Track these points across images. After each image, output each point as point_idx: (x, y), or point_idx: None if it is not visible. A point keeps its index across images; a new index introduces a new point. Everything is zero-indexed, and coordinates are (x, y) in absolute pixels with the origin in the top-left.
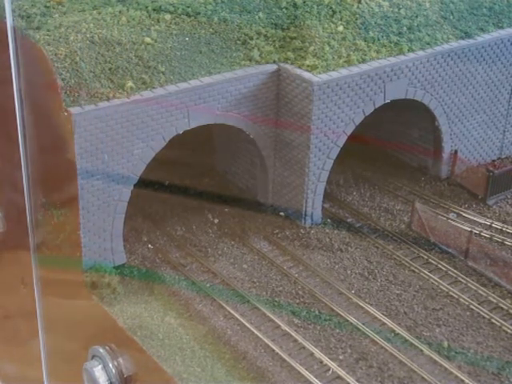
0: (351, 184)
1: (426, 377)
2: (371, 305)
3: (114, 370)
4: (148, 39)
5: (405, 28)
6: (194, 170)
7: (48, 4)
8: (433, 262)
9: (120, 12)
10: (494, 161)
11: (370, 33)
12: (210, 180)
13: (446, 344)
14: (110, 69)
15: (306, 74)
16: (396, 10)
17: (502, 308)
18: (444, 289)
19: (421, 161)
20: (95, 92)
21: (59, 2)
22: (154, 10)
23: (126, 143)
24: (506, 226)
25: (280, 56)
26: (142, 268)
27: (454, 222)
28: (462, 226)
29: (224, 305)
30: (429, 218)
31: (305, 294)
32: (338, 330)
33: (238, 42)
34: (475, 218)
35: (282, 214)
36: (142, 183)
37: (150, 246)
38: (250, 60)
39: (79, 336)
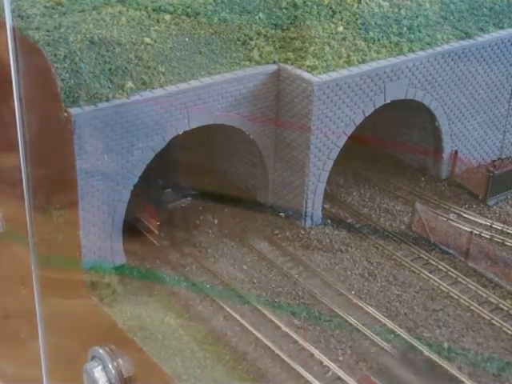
0: (351, 184)
1: None
2: (371, 306)
3: (113, 371)
4: (148, 40)
5: (405, 28)
6: (194, 171)
7: (47, 4)
8: (433, 262)
9: (120, 12)
10: (494, 161)
11: (370, 33)
12: (209, 180)
13: (446, 345)
14: (109, 69)
15: (306, 75)
16: (396, 10)
17: (502, 309)
18: (444, 289)
19: (421, 161)
20: (95, 92)
21: (59, 3)
22: (153, 10)
23: (126, 144)
24: (506, 226)
25: (280, 56)
26: (141, 268)
27: (454, 223)
28: (462, 227)
29: (224, 305)
30: (429, 218)
31: (305, 295)
32: (338, 331)
33: (238, 42)
34: (475, 219)
35: (281, 214)
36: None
37: (150, 246)
38: (250, 60)
39: (79, 337)
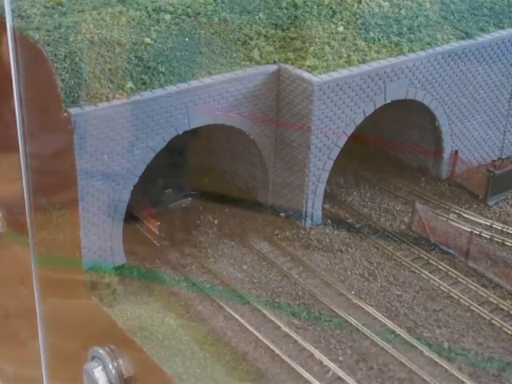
0: (351, 184)
1: (426, 378)
2: (371, 306)
3: (113, 371)
4: (148, 40)
5: (405, 28)
6: (194, 171)
7: (48, 4)
8: (433, 262)
9: (120, 12)
10: (494, 161)
11: (371, 33)
12: (209, 180)
13: (446, 345)
14: (109, 69)
15: (307, 75)
16: (396, 10)
17: (502, 309)
18: (444, 290)
19: (421, 161)
20: (95, 93)
21: (59, 3)
22: (153, 10)
23: (126, 144)
24: (506, 226)
25: (280, 56)
26: (141, 268)
27: (454, 223)
28: (462, 227)
29: (224, 306)
30: (429, 218)
31: (305, 295)
32: (338, 331)
33: (238, 42)
34: (476, 219)
35: (282, 214)
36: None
37: (150, 246)
38: (250, 60)
39: (79, 337)
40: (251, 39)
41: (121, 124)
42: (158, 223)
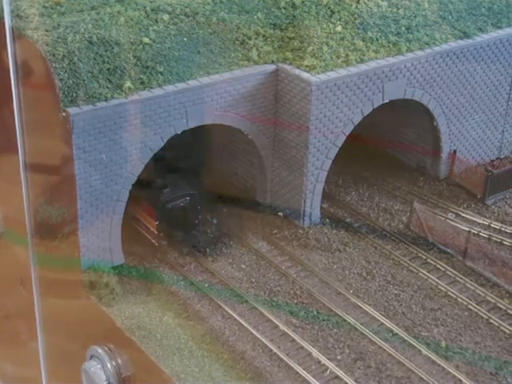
0: (350, 184)
1: (423, 377)
2: (369, 305)
3: (112, 370)
4: (146, 39)
5: (403, 28)
6: (193, 170)
7: (46, 4)
8: (431, 261)
9: (118, 12)
10: (492, 161)
11: (369, 33)
12: (208, 180)
13: (444, 344)
14: (108, 69)
15: (305, 74)
16: (394, 10)
17: (500, 308)
18: (442, 289)
19: (419, 161)
20: (93, 92)
21: (57, 3)
22: (152, 10)
23: (124, 143)
24: (504, 225)
25: (278, 56)
26: (140, 268)
27: (452, 222)
28: (460, 226)
29: (222, 305)
30: (427, 217)
31: (303, 294)
32: (336, 330)
33: (237, 42)
34: (474, 218)
35: (280, 214)
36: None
37: (148, 246)
38: (249, 60)
39: (78, 336)
40: (249, 39)
41: (119, 124)
42: (157, 222)
